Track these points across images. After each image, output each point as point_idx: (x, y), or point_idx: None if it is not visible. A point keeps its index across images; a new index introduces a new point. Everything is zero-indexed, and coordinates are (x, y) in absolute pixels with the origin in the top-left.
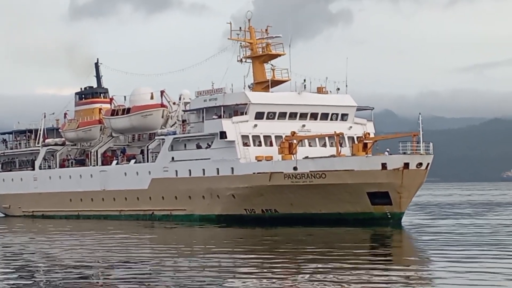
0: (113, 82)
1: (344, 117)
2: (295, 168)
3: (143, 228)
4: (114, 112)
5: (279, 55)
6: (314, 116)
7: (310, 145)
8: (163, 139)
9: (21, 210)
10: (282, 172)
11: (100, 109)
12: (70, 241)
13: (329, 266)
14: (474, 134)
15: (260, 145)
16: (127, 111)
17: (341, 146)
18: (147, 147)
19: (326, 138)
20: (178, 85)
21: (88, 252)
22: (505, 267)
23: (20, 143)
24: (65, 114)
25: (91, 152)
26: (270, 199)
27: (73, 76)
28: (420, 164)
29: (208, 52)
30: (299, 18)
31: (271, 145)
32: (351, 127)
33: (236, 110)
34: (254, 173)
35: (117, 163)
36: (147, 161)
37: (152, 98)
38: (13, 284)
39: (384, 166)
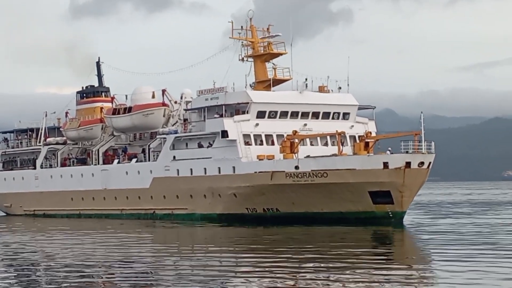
0: (114, 81)
1: (345, 116)
2: (296, 167)
3: (144, 227)
4: (115, 111)
5: (281, 54)
6: (315, 115)
7: (311, 144)
8: (165, 138)
9: (22, 209)
10: (284, 171)
11: (101, 108)
12: (71, 240)
13: (330, 265)
14: (474, 133)
15: (261, 144)
16: (128, 110)
17: (342, 145)
18: (149, 146)
19: (328, 137)
20: (179, 84)
21: (88, 251)
22: (505, 266)
23: (21, 142)
24: (67, 113)
25: (92, 151)
26: (271, 198)
27: (73, 75)
28: (422, 163)
29: (208, 51)
30: (300, 17)
31: (272, 144)
32: (352, 126)
33: (238, 109)
34: (255, 172)
35: (118, 162)
36: (149, 160)
37: (153, 97)
38: (13, 283)
39: (385, 165)
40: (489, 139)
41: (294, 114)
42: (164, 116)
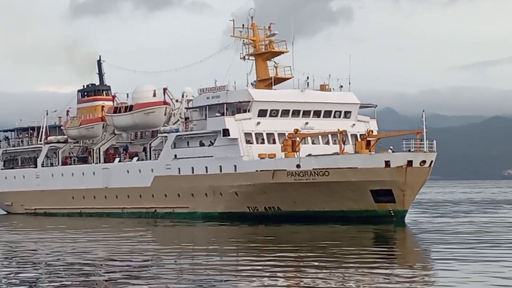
0: (115, 80)
1: (347, 114)
2: (298, 166)
3: (145, 225)
4: (116, 110)
5: (282, 53)
6: (317, 113)
7: (313, 143)
8: (166, 136)
9: (23, 208)
10: (285, 170)
11: (102, 106)
12: (72, 239)
13: (332, 264)
14: (474, 132)
15: (263, 142)
16: (129, 108)
17: (344, 143)
18: (150, 144)
19: (329, 136)
20: (180, 83)
21: (88, 249)
22: (506, 265)
23: (22, 141)
24: (68, 111)
25: (93, 150)
26: (273, 197)
27: (74, 74)
28: (424, 161)
29: (209, 50)
30: (300, 16)
31: (274, 142)
32: (354, 124)
33: (239, 108)
34: (257, 170)
35: (119, 161)
36: (150, 159)
37: (154, 95)
38: (12, 282)
39: (387, 163)
40: (490, 138)
41: (296, 113)
42: (165, 114)
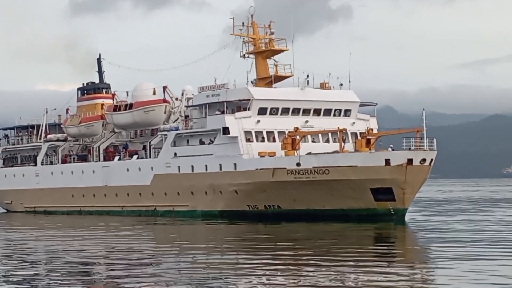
0: (115, 78)
1: (347, 112)
2: (298, 164)
3: (145, 224)
4: (116, 108)
5: (282, 51)
6: (317, 111)
7: (313, 141)
8: (166, 134)
9: (23, 206)
10: (285, 168)
11: (102, 104)
12: (72, 237)
13: (331, 263)
14: (474, 130)
15: (263, 141)
16: (129, 106)
17: (344, 142)
18: (150, 142)
19: (329, 134)
20: (180, 81)
21: (88, 248)
22: (507, 264)
23: (22, 139)
24: (67, 109)
25: (93, 148)
26: (273, 195)
27: (73, 72)
28: (424, 160)
29: (208, 48)
30: (299, 14)
31: (274, 141)
32: (354, 122)
33: (239, 106)
34: (257, 169)
35: (119, 159)
36: (150, 157)
37: (154, 93)
38: (12, 280)
39: (387, 162)
40: (489, 136)
41: (296, 111)
42: (165, 112)
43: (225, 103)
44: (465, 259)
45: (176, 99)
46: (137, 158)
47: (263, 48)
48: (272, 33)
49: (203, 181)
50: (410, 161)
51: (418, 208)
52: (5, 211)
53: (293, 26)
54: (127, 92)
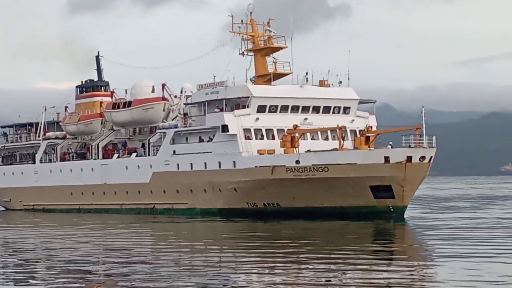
0: (114, 76)
1: (346, 110)
2: (297, 162)
3: (144, 221)
4: (115, 106)
5: (281, 48)
6: (316, 109)
7: (312, 139)
8: (165, 132)
9: (21, 204)
10: (284, 166)
11: (101, 102)
12: (71, 235)
13: (331, 261)
14: (472, 128)
15: (262, 138)
16: (128, 104)
17: (343, 139)
18: (149, 140)
19: (329, 132)
20: (179, 79)
21: (87, 246)
22: (505, 261)
23: (20, 137)
24: (66, 107)
25: (92, 146)
26: (272, 193)
27: (72, 70)
28: (423, 157)
29: (207, 46)
30: (297, 12)
31: (273, 138)
32: (353, 120)
33: (238, 103)
34: (256, 166)
35: (118, 157)
36: (148, 155)
37: (153, 91)
38: (10, 278)
39: (387, 159)
40: (487, 133)
41: (295, 108)
42: (164, 110)
43: (224, 100)
44: (464, 256)
45: (175, 96)
46: (136, 156)
47: (262, 45)
48: (270, 31)
49: (202, 178)
50: (409, 159)
51: (417, 206)
52: (4, 209)
53: (292, 23)
54: (126, 90)
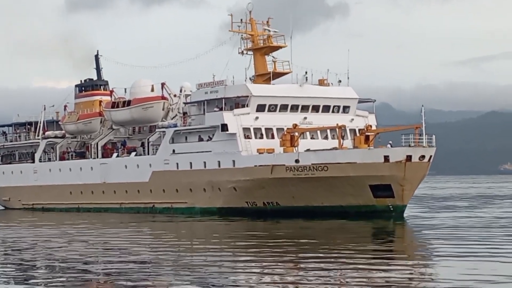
0: (113, 75)
1: (346, 109)
2: (297, 161)
3: (143, 221)
4: (114, 105)
5: (281, 47)
6: (315, 108)
7: (312, 138)
8: (164, 131)
9: (21, 203)
10: (284, 165)
11: (100, 101)
12: (71, 234)
13: (330, 260)
14: (471, 127)
15: (261, 137)
16: (127, 103)
17: (343, 138)
18: (148, 139)
19: (328, 131)
20: (178, 78)
21: (85, 245)
22: (504, 261)
23: (19, 136)
24: (65, 106)
25: (91, 145)
26: (271, 192)
27: (71, 69)
28: (423, 156)
29: (206, 45)
30: (296, 11)
31: (272, 137)
32: (353, 119)
33: (238, 103)
34: (255, 165)
35: (117, 156)
36: (148, 154)
37: (152, 90)
38: (6, 279)
39: (386, 158)
40: (486, 133)
41: (294, 108)
42: (163, 109)
43: (223, 99)
44: (463, 256)
45: (175, 95)
46: (135, 155)
47: (262, 44)
48: (269, 31)
49: (202, 178)
50: (409, 158)
51: (417, 205)
52: (3, 208)
53: (291, 22)
54: (125, 89)
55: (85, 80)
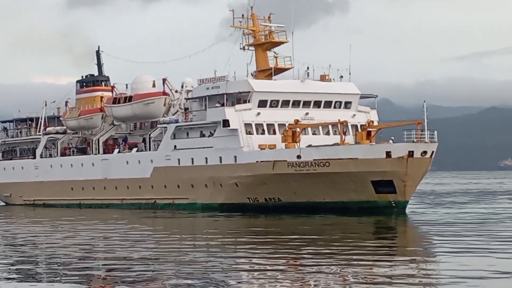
0: (114, 70)
1: (347, 105)
2: (298, 157)
3: (144, 217)
4: (115, 100)
5: (282, 43)
6: (317, 104)
7: (313, 133)
8: (165, 127)
9: (22, 199)
10: (286, 161)
11: (101, 97)
12: (71, 231)
13: (332, 256)
14: (471, 123)
15: (263, 133)
16: (129, 99)
17: (344, 134)
18: (149, 135)
19: (330, 126)
20: (180, 73)
21: (87, 242)
22: (506, 257)
23: (21, 132)
24: (66, 102)
25: (92, 141)
26: (273, 188)
27: (71, 64)
28: (425, 152)
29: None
30: (296, 7)
31: (274, 133)
32: (354, 115)
33: (239, 98)
34: (257, 161)
35: (119, 152)
36: (149, 150)
37: (154, 86)
38: (8, 276)
39: (388, 154)
40: (486, 128)
41: (296, 103)
42: (164, 105)
43: (225, 95)
44: (465, 251)
45: (176, 91)
46: (137, 150)
47: (263, 40)
48: (270, 27)
49: (203, 173)
50: (411, 153)
51: (419, 200)
52: (4, 204)
53: (293, 18)
54: (126, 85)
55: (86, 76)
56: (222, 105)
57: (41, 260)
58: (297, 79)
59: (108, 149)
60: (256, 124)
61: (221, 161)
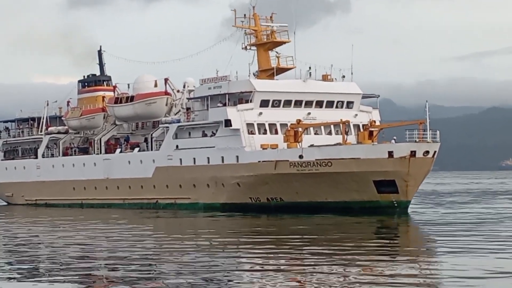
0: (116, 70)
1: (349, 104)
2: (300, 157)
3: (147, 217)
4: (117, 100)
5: (284, 42)
6: (319, 104)
7: (315, 133)
8: (167, 127)
9: (24, 199)
10: (288, 161)
11: (103, 97)
12: (72, 231)
13: (334, 256)
14: (472, 122)
15: (265, 133)
16: (130, 99)
17: (346, 134)
18: (151, 135)
19: (332, 126)
20: (182, 73)
21: (89, 241)
22: (509, 257)
23: (22, 131)
24: (68, 102)
25: (94, 140)
26: (275, 188)
27: (71, 64)
28: (427, 152)
29: (208, 40)
30: (298, 7)
31: (276, 133)
32: (356, 115)
33: (241, 98)
34: (259, 161)
35: (120, 151)
36: (151, 149)
37: (156, 86)
38: (9, 276)
39: (390, 154)
40: (487, 128)
41: (298, 103)
42: (166, 105)
43: (227, 95)
44: (467, 251)
45: (178, 91)
46: (139, 150)
47: (265, 40)
48: (272, 27)
49: (205, 173)
50: (413, 153)
51: (421, 200)
52: (6, 204)
53: (295, 18)
54: (128, 85)
55: (88, 76)
56: (224, 105)
57: (42, 260)
58: (299, 79)
59: (110, 149)
60: (258, 124)
61: (223, 161)
